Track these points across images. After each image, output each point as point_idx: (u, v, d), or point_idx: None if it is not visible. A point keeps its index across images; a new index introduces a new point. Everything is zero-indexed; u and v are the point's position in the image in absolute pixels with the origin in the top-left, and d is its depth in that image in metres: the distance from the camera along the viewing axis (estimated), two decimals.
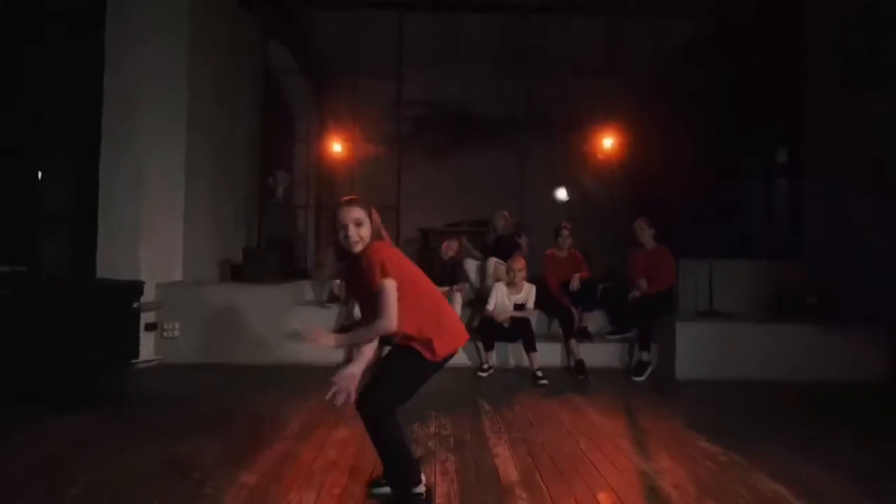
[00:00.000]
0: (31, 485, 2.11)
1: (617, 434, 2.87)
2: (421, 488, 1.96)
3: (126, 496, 2.01)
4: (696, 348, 4.14)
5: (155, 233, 4.36)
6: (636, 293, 4.43)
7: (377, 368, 2.01)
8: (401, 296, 1.81)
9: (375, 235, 1.88)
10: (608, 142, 6.85)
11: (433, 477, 2.22)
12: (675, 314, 4.46)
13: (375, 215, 1.89)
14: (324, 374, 3.96)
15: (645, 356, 4.18)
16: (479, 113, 8.71)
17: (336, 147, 6.73)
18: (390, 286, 1.78)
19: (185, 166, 4.66)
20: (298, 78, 6.77)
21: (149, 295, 4.14)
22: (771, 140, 5.90)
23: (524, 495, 2.10)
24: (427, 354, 1.88)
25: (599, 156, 7.19)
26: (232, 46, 5.27)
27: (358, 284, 1.90)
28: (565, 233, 4.81)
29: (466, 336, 2.03)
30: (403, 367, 1.94)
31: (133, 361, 3.90)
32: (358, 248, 1.83)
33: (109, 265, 4.06)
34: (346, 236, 1.83)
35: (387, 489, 1.99)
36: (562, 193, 8.92)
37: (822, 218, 5.14)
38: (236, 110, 5.43)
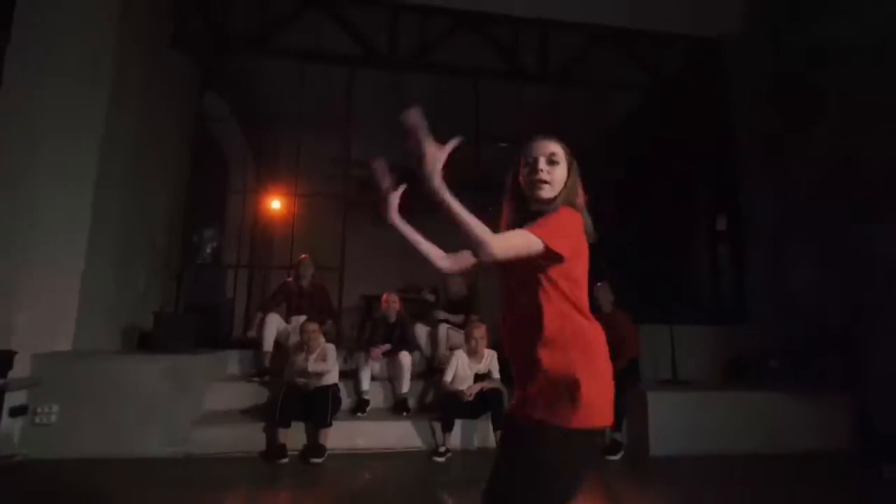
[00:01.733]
0: None
1: None
2: None
3: None
4: (669, 421, 3.82)
5: (41, 290, 3.56)
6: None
7: (500, 474, 1.28)
8: (552, 287, 1.24)
9: (570, 192, 1.36)
10: None
11: None
12: (640, 384, 4.17)
13: (575, 167, 1.40)
14: (240, 467, 3.30)
15: (618, 436, 3.80)
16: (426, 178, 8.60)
17: (274, 203, 6.22)
18: (535, 241, 1.19)
19: (91, 212, 3.97)
20: (236, 127, 6.31)
21: (22, 369, 3.28)
22: (711, 208, 6.12)
23: None
24: (566, 418, 1.18)
25: None
26: (161, 89, 4.79)
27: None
28: None
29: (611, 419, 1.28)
30: (547, 467, 1.18)
31: None
32: (545, 193, 1.33)
33: None
34: (535, 171, 1.34)
35: None
36: None
37: (764, 283, 5.25)
38: (162, 156, 4.85)
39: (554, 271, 1.25)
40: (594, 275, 4.72)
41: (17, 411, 3.27)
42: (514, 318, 1.31)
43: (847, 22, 4.44)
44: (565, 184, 1.37)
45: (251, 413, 3.88)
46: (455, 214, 1.13)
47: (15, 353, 3.20)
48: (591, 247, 1.37)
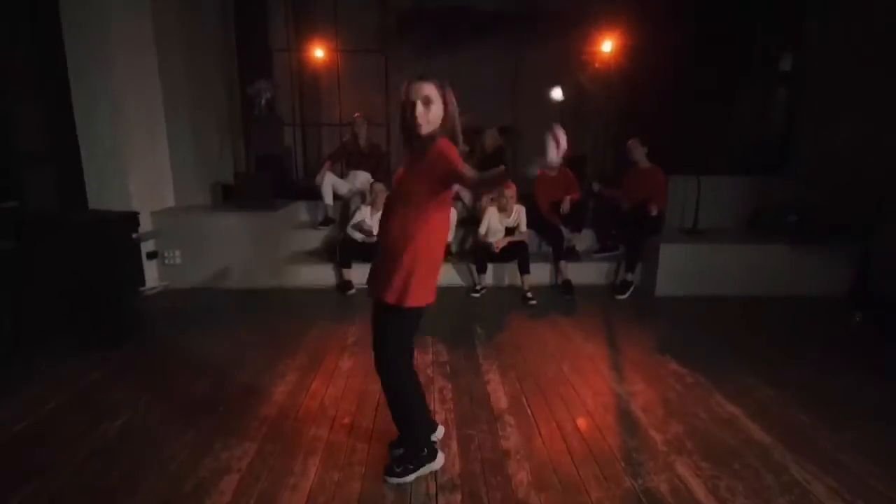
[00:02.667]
0: (70, 420, 2.36)
1: (597, 356, 3.16)
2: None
3: (161, 431, 2.27)
4: (675, 267, 4.36)
5: (141, 160, 4.26)
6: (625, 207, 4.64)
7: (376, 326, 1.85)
8: (434, 210, 1.64)
9: (449, 124, 1.66)
10: (606, 44, 6.45)
11: (433, 405, 2.50)
12: (661, 234, 4.60)
13: (451, 98, 1.66)
14: (321, 297, 4.26)
15: (630, 276, 4.41)
16: (469, 6, 8.05)
17: (318, 53, 6.29)
18: (469, 170, 1.56)
19: (160, 87, 4.42)
20: None
21: (144, 224, 4.18)
22: (776, 48, 5.61)
23: (512, 421, 2.40)
24: (400, 297, 1.69)
25: (597, 58, 6.83)
26: None
27: (404, 176, 1.70)
28: None
29: (434, 298, 1.80)
30: (392, 325, 1.79)
31: (140, 289, 4.07)
32: (423, 130, 1.62)
33: (98, 198, 4.03)
34: (412, 115, 1.61)
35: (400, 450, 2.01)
36: (556, 94, 8.58)
37: (813, 133, 5.10)
38: (207, 22, 4.98)
39: (442, 192, 1.65)
40: (628, 132, 4.83)
41: (151, 255, 4.30)
42: (401, 213, 1.66)
43: None
44: (444, 117, 1.63)
45: (322, 255, 4.77)
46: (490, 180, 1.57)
47: (138, 213, 4.05)
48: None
